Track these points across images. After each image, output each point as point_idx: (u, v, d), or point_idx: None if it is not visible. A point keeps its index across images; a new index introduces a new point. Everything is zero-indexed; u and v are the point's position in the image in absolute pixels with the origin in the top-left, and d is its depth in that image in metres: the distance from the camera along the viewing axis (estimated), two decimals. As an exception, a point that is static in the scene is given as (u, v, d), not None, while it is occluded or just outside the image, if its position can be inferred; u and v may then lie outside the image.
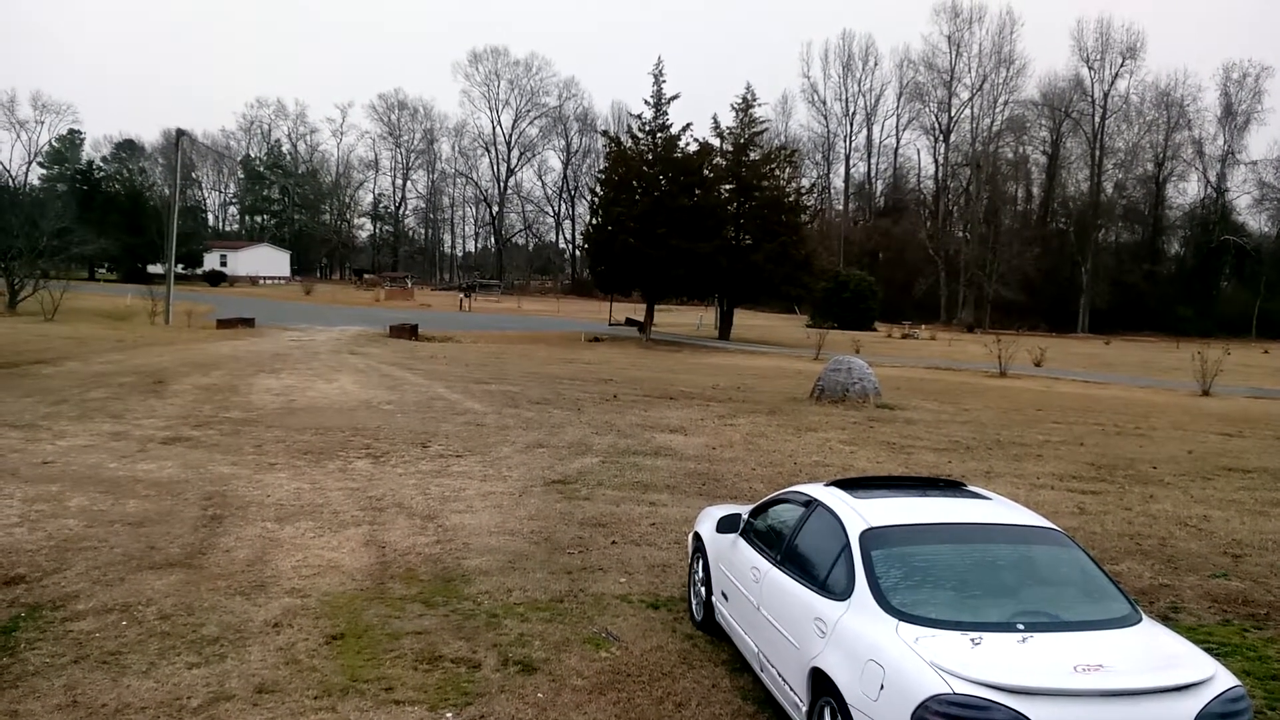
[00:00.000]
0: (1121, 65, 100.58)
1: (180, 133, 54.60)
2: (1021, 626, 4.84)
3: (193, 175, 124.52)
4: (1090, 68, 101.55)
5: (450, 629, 7.28)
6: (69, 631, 6.96)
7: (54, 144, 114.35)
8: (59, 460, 12.85)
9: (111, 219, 78.36)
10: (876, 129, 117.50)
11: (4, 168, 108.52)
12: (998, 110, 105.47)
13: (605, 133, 69.07)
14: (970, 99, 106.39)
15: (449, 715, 5.87)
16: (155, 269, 75.31)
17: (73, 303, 44.49)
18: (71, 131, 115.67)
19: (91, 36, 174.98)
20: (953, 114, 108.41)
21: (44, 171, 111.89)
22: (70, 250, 51.83)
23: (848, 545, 5.52)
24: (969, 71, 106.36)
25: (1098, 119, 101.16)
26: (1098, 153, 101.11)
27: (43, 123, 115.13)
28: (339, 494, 11.57)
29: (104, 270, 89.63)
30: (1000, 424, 20.71)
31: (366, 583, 8.30)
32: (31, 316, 41.38)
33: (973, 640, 4.66)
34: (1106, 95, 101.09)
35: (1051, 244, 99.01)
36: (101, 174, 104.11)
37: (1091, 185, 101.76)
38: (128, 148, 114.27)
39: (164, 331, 38.88)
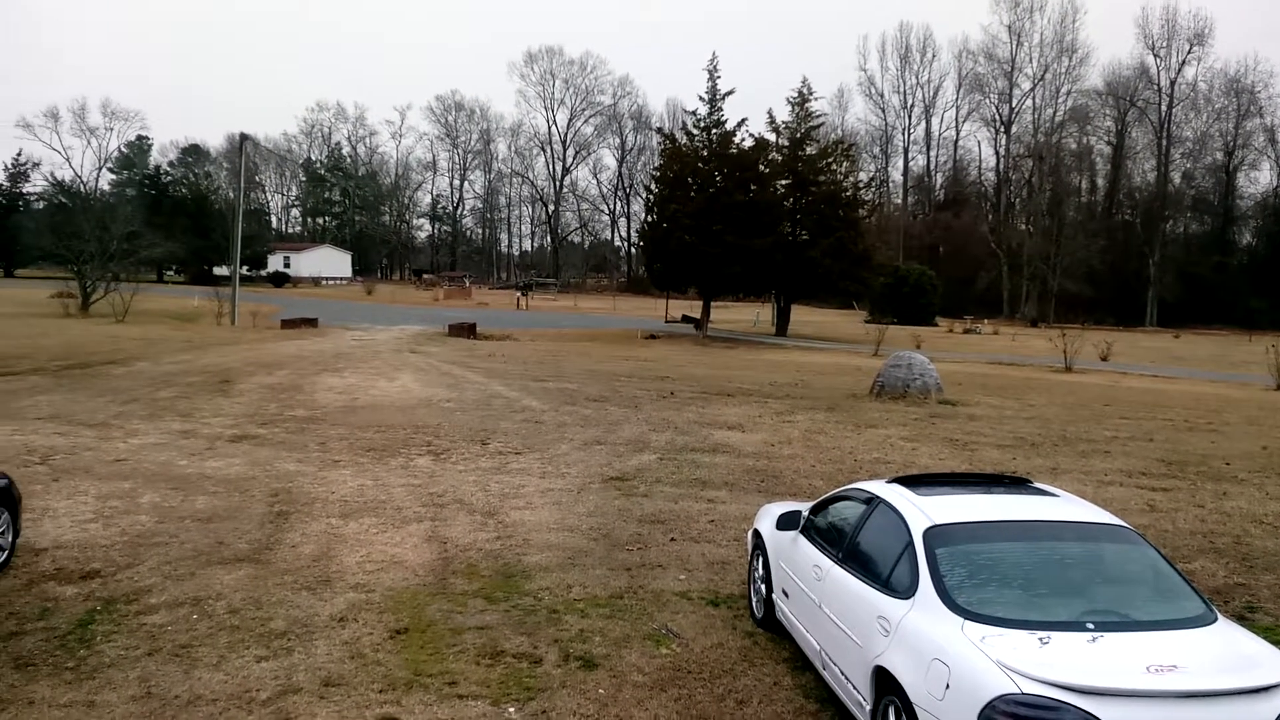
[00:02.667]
0: (1189, 52, 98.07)
1: (244, 137, 55.84)
2: (1091, 626, 4.75)
3: (256, 179, 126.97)
4: (1156, 55, 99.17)
5: (511, 624, 7.33)
6: (142, 624, 7.15)
7: (123, 150, 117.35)
8: (131, 458, 13.19)
9: (179, 222, 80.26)
10: (935, 121, 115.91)
11: (76, 174, 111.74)
12: (1060, 100, 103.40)
13: (660, 130, 69.11)
14: (1032, 89, 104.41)
15: (511, 710, 5.91)
16: (221, 271, 76.95)
17: (142, 304, 45.67)
18: (140, 137, 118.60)
19: (157, 44, 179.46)
20: (1014, 105, 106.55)
21: (114, 177, 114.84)
22: (139, 253, 53.23)
23: (911, 543, 5.46)
24: (1030, 61, 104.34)
25: (1164, 107, 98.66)
26: (1164, 142, 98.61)
27: (112, 129, 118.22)
28: (401, 490, 11.73)
29: (172, 273, 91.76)
30: (1066, 420, 20.30)
31: (429, 578, 8.41)
32: (103, 318, 42.55)
33: (1041, 640, 4.58)
34: (1173, 83, 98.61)
35: (1117, 236, 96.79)
36: (169, 179, 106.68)
37: (1158, 175, 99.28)
38: (193, 153, 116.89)
39: (230, 332, 39.72)
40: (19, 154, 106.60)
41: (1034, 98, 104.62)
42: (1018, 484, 6.63)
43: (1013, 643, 4.56)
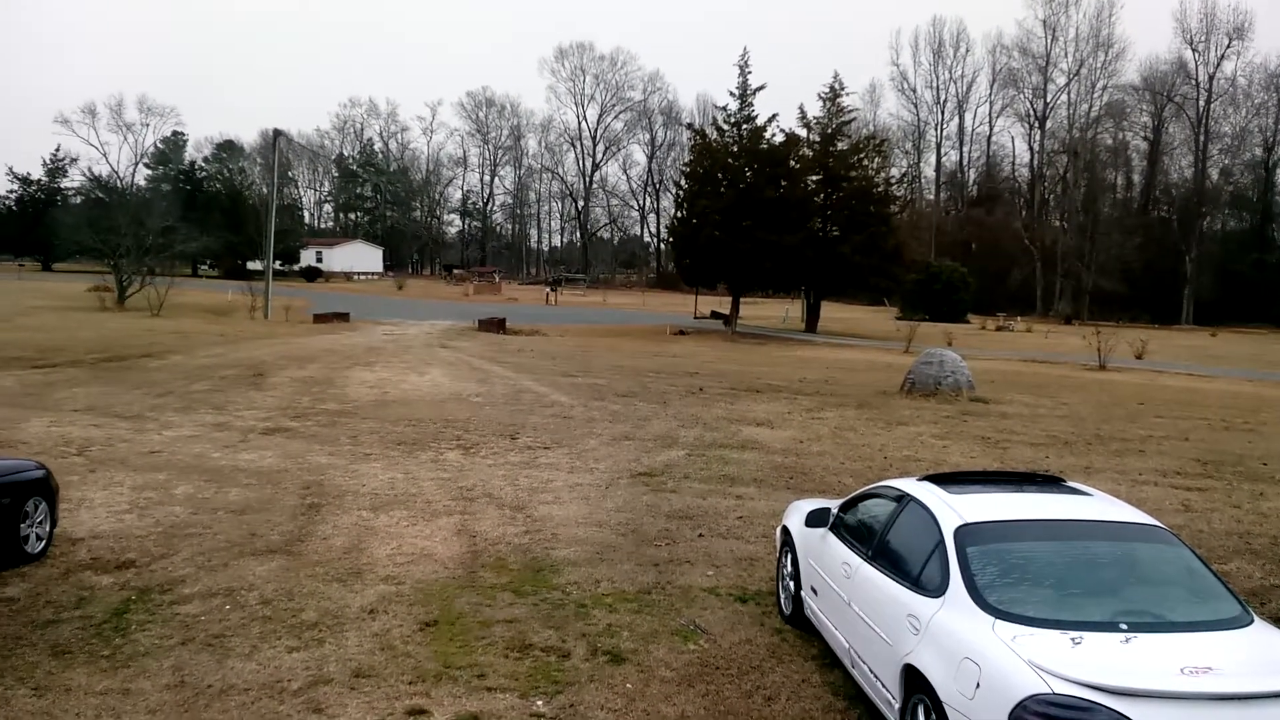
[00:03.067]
0: (1228, 47, 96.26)
1: (277, 133, 56.28)
2: (1125, 626, 4.70)
3: (289, 174, 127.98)
4: (1194, 50, 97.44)
5: (540, 618, 7.36)
6: (176, 614, 7.24)
7: (158, 145, 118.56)
8: (165, 450, 13.37)
9: (213, 217, 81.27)
10: (968, 116, 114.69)
11: (112, 169, 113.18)
12: (1096, 95, 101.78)
13: (690, 125, 68.87)
14: (1067, 84, 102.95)
15: (539, 703, 5.94)
16: (254, 265, 77.75)
17: (177, 298, 46.25)
18: (175, 133, 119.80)
19: (192, 41, 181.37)
20: (1048, 100, 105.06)
21: (149, 172, 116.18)
22: (175, 248, 53.91)
23: (942, 541, 5.42)
24: (1065, 56, 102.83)
25: (1202, 103, 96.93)
26: (1202, 138, 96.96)
27: (148, 125, 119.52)
28: (431, 484, 11.80)
29: (206, 267, 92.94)
30: (1100, 418, 20.07)
31: (458, 571, 8.46)
32: (139, 312, 43.13)
33: (1073, 640, 4.54)
34: (1212, 78, 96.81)
35: (1153, 233, 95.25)
36: (203, 174, 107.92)
37: (1196, 172, 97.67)
38: (227, 148, 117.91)
39: (263, 326, 40.13)
40: (57, 149, 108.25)
41: (1069, 93, 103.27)
42: (1051, 483, 6.57)
43: (1044, 642, 4.52)
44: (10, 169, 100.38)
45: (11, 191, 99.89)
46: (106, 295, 48.09)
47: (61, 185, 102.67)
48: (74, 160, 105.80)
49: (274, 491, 11.18)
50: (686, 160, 62.43)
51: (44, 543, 8.52)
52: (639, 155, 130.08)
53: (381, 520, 10.07)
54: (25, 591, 7.61)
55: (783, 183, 47.50)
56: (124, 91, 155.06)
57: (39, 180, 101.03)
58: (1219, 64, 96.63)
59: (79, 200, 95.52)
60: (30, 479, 8.45)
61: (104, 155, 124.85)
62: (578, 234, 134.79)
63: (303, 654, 6.57)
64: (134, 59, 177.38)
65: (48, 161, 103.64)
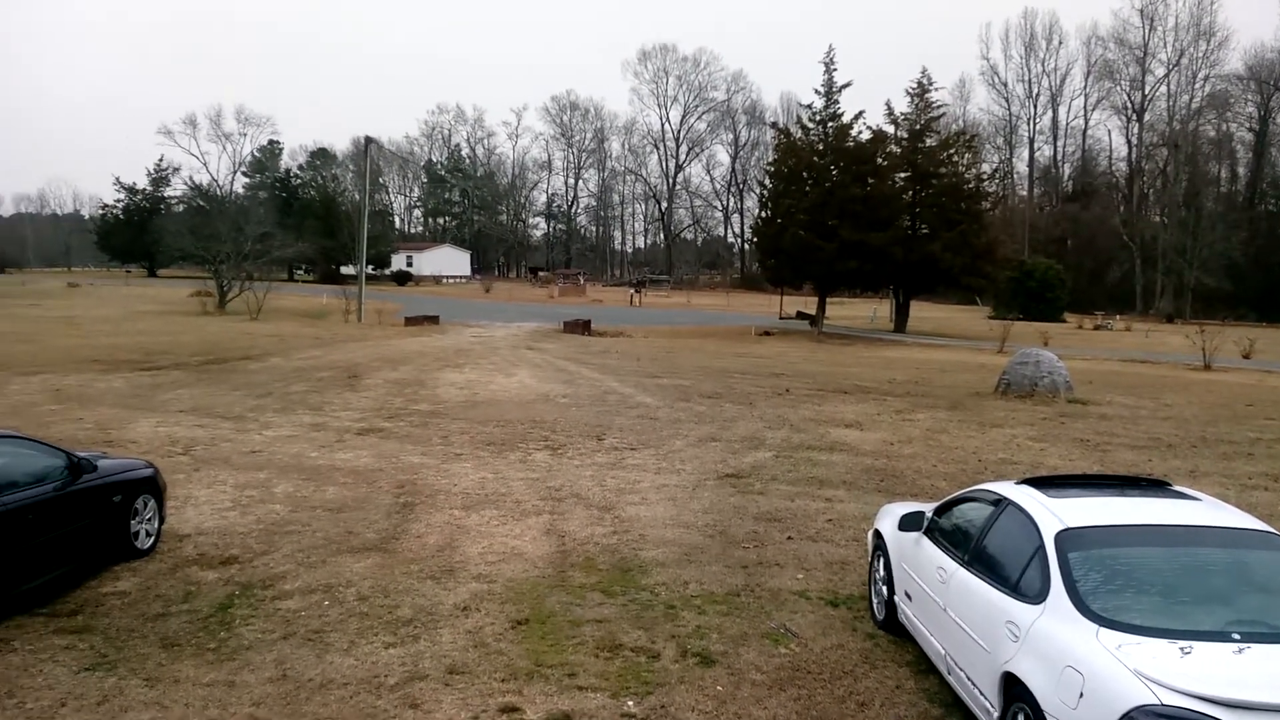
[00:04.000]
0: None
1: (369, 140, 57.60)
2: (1238, 636, 4.52)
3: (380, 180, 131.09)
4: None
5: (629, 618, 7.38)
6: (278, 609, 7.46)
7: (255, 154, 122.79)
8: (265, 449, 13.79)
9: (308, 223, 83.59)
10: (1062, 110, 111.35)
11: (212, 178, 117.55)
12: (1197, 86, 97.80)
13: (774, 124, 68.36)
14: (1166, 75, 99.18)
15: (630, 704, 5.95)
16: (348, 270, 79.72)
17: (274, 303, 47.73)
18: (271, 142, 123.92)
19: (288, 53, 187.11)
20: (1146, 92, 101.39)
21: (247, 180, 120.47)
22: (271, 253, 55.62)
23: (1042, 546, 5.29)
24: (1165, 46, 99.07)
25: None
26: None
27: (245, 135, 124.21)
28: (520, 484, 11.94)
29: (302, 272, 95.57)
30: (1205, 420, 19.31)
31: (548, 570, 8.54)
32: (238, 316, 44.61)
33: (1182, 649, 4.38)
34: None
35: (1260, 227, 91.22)
36: (298, 181, 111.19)
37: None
38: (321, 156, 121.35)
39: (357, 329, 41.11)
40: (160, 160, 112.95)
41: (1169, 84, 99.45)
42: (1156, 486, 6.34)
43: (1151, 651, 4.36)
44: (118, 179, 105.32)
45: (119, 201, 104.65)
46: (208, 300, 49.87)
47: (165, 194, 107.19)
48: (176, 170, 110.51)
49: (369, 490, 11.44)
50: (770, 159, 61.89)
51: (153, 539, 8.86)
52: (722, 155, 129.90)
53: (473, 519, 10.23)
54: (136, 586, 7.92)
55: (870, 180, 46.84)
56: (223, 102, 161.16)
57: (144, 190, 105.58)
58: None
59: (181, 208, 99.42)
60: (140, 477, 8.80)
61: (204, 164, 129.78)
62: (661, 235, 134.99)
63: (399, 650, 6.70)
64: (232, 71, 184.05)
65: (152, 171, 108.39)
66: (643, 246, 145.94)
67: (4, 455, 7.34)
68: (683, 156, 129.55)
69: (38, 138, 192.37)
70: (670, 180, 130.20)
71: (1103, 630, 4.60)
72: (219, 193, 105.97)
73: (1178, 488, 6.33)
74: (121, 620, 7.16)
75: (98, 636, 6.82)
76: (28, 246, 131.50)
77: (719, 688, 6.21)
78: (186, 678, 6.18)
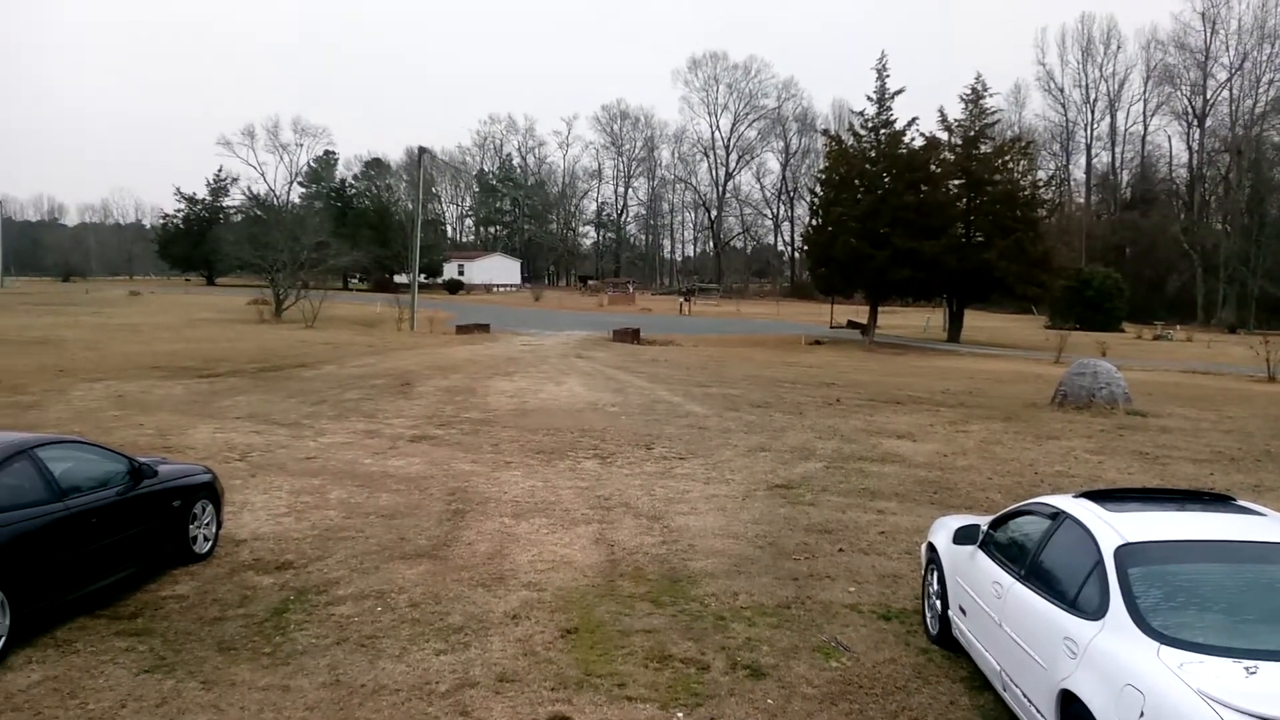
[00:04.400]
0: None
1: (422, 150, 58.35)
2: (1306, 656, 4.36)
3: (433, 190, 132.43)
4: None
5: (679, 629, 7.36)
6: (331, 615, 7.55)
7: (311, 164, 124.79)
8: (320, 456, 13.98)
9: (362, 233, 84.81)
10: (1121, 116, 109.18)
11: (269, 187, 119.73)
12: (1261, 90, 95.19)
13: (825, 131, 68.01)
14: (1229, 79, 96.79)
15: (680, 715, 5.92)
16: (401, 278, 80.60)
17: (329, 311, 48.42)
18: (326, 152, 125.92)
19: (343, 65, 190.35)
20: (1208, 97, 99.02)
21: (303, 190, 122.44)
22: (327, 262, 56.40)
23: (1101, 561, 5.17)
24: (1227, 50, 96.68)
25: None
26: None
27: (302, 145, 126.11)
28: (569, 492, 11.97)
29: (356, 280, 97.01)
30: (1270, 433, 18.79)
31: (597, 579, 8.54)
32: (294, 324, 45.34)
33: (1247, 669, 4.25)
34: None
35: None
36: (353, 191, 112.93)
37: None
38: (375, 166, 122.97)
39: (409, 337, 41.60)
40: (219, 170, 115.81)
41: (1231, 88, 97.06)
42: (1219, 501, 6.18)
43: (1215, 671, 4.24)
44: (178, 189, 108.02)
45: (179, 210, 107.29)
46: (265, 308, 50.80)
47: (223, 204, 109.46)
48: (234, 180, 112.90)
49: (421, 497, 11.54)
50: (822, 167, 61.53)
51: (210, 543, 9.03)
52: (773, 163, 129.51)
53: (522, 527, 10.27)
54: (194, 590, 8.07)
55: (923, 188, 46.39)
56: (280, 114, 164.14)
57: (203, 199, 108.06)
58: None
59: (239, 218, 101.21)
60: (198, 483, 8.98)
61: (261, 174, 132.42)
62: (710, 243, 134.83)
63: (449, 657, 6.74)
64: (289, 83, 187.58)
65: (211, 181, 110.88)
66: (692, 255, 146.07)
67: (69, 460, 7.53)
68: (733, 164, 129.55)
69: (103, 149, 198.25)
70: (720, 188, 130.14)
71: (1164, 648, 4.48)
72: (276, 202, 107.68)
73: (1242, 502, 6.17)
74: (180, 623, 7.29)
75: (157, 639, 6.96)
76: (91, 255, 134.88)
77: (769, 701, 6.15)
78: (242, 681, 6.27)
